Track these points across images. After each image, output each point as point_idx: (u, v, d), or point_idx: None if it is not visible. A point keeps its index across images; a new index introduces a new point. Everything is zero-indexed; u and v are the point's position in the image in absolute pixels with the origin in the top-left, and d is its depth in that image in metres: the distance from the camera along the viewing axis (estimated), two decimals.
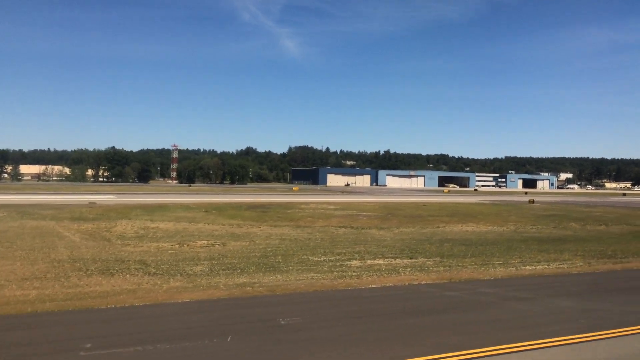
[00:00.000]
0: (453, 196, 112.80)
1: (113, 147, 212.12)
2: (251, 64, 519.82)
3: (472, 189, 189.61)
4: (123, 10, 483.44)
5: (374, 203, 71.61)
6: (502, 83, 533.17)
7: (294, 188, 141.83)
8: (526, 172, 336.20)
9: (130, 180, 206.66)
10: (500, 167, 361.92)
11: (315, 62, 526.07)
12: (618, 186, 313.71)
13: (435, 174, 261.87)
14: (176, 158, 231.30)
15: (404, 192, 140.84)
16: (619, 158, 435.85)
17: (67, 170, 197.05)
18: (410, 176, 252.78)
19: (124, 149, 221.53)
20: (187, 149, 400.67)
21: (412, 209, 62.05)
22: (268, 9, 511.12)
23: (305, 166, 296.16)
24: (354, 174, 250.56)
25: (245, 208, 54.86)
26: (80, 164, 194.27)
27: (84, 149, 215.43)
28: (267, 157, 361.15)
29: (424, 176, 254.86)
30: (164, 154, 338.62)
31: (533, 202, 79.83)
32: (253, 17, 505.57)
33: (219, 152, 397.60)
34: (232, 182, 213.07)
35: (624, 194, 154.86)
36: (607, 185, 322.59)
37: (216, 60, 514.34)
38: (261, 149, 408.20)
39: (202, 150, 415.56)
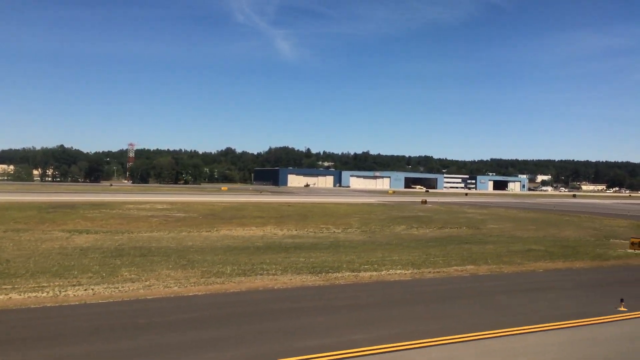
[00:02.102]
0: (380, 197, 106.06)
1: (62, 146, 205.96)
2: (244, 65, 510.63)
3: (424, 190, 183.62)
4: (113, 9, 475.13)
5: (230, 203, 65.81)
6: (493, 86, 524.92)
7: (222, 188, 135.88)
8: (503, 175, 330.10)
9: (80, 180, 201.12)
10: (477, 169, 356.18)
11: (309, 64, 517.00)
12: (595, 188, 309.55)
13: (402, 175, 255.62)
14: (132, 157, 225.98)
15: (343, 193, 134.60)
16: (603, 161, 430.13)
17: (10, 169, 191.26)
18: (375, 177, 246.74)
19: (73, 147, 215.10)
20: (168, 150, 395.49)
21: (256, 210, 56.24)
22: (262, 10, 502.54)
23: (274, 167, 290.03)
24: (317, 175, 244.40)
25: (46, 207, 49.03)
26: (26, 163, 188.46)
27: (31, 147, 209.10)
28: (240, 158, 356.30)
29: (389, 177, 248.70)
30: (143, 153, 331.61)
31: (425, 202, 74.71)
32: (247, 18, 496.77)
33: (200, 152, 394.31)
34: (186, 182, 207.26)
35: (574, 195, 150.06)
36: (584, 187, 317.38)
37: (209, 61, 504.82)
38: (248, 149, 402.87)
39: (183, 150, 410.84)
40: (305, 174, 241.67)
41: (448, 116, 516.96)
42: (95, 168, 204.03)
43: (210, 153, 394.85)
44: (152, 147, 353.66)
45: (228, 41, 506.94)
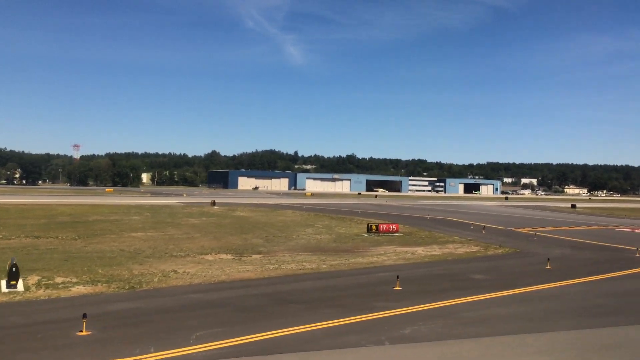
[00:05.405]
0: (261, 198, 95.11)
1: None
2: (253, 70, 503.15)
3: (384, 193, 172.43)
4: (124, 15, 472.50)
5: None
6: (494, 90, 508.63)
7: (106, 190, 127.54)
8: (484, 177, 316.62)
9: (16, 183, 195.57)
10: (459, 172, 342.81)
11: (316, 69, 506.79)
12: (581, 192, 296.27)
13: (363, 178, 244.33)
14: (77, 159, 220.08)
15: (263, 195, 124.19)
16: (602, 164, 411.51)
17: None
18: (334, 180, 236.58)
19: (7, 148, 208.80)
20: (160, 153, 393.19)
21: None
22: (272, 16, 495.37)
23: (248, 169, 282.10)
24: (270, 177, 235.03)
25: None
26: None
27: None
28: (213, 161, 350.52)
29: (349, 180, 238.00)
30: (130, 156, 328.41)
31: (214, 203, 66.57)
32: (257, 24, 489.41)
33: (190, 156, 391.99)
34: (125, 185, 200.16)
35: (506, 198, 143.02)
36: (569, 191, 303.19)
37: (218, 66, 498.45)
38: (241, 152, 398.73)
39: (172, 153, 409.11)
40: (257, 177, 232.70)
41: (449, 120, 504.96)
42: (31, 170, 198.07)
43: (200, 156, 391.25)
44: (140, 151, 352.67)
45: (237, 46, 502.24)
